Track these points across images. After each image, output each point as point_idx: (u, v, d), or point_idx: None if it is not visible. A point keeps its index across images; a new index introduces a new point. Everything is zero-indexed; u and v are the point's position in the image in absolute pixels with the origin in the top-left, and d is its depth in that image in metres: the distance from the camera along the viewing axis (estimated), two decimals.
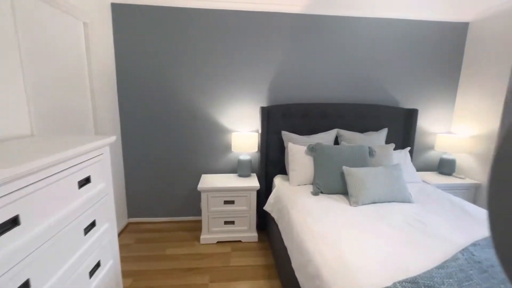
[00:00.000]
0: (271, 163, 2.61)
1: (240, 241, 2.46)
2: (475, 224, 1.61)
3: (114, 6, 2.39)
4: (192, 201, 2.81)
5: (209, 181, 2.47)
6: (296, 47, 2.61)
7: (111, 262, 1.48)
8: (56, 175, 1.00)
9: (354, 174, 1.96)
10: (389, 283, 1.06)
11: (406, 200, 1.91)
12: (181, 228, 2.68)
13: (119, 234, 2.53)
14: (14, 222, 0.81)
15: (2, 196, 0.76)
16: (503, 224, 0.31)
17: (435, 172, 2.92)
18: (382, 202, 1.88)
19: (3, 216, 0.77)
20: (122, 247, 2.31)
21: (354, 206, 1.83)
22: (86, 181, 1.23)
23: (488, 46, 2.54)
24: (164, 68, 2.54)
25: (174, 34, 2.49)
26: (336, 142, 2.56)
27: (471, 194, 2.63)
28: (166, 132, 2.66)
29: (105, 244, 1.41)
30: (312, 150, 2.26)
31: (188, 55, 2.54)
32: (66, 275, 1.06)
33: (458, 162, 2.84)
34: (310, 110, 2.60)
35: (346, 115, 2.65)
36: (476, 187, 2.62)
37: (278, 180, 2.45)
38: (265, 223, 2.58)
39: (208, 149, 2.74)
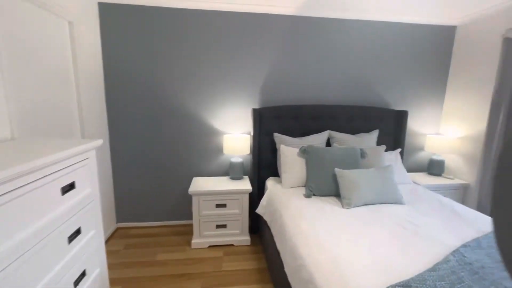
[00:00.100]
0: (263, 165, 2.59)
1: (232, 245, 2.42)
2: (464, 225, 1.63)
3: (101, 5, 2.33)
4: (183, 205, 2.76)
5: (200, 184, 2.43)
6: (288, 48, 2.61)
7: (98, 271, 1.42)
8: (36, 181, 0.95)
9: (346, 176, 1.95)
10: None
11: (397, 201, 1.92)
12: (172, 232, 2.63)
13: (107, 240, 2.46)
14: None
15: None
16: (506, 228, 0.33)
17: (425, 172, 2.96)
18: (374, 204, 1.89)
19: None
20: (110, 253, 2.24)
21: (347, 208, 1.83)
22: (70, 187, 1.17)
23: (475, 49, 2.60)
24: (154, 69, 2.49)
25: (165, 35, 2.44)
26: (328, 144, 2.56)
27: (460, 194, 2.68)
28: (156, 134, 2.60)
29: (91, 251, 1.36)
30: (304, 152, 2.25)
31: (178, 56, 2.50)
32: (48, 287, 1.00)
33: (447, 162, 2.89)
34: (302, 112, 2.60)
35: (338, 117, 2.65)
36: (465, 188, 2.67)
37: (270, 183, 2.43)
38: (258, 226, 2.56)
39: (199, 152, 2.69)
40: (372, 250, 1.33)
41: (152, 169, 2.66)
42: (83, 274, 1.26)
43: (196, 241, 2.36)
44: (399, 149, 2.64)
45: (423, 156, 3.03)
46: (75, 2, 2.01)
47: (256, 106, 2.68)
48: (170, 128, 2.61)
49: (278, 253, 1.71)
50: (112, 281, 1.89)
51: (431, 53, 2.82)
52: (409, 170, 3.01)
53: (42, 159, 0.94)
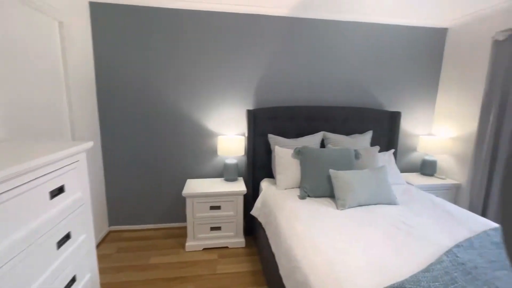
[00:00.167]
0: (258, 166, 2.58)
1: (227, 247, 2.40)
2: (456, 225, 1.65)
3: (92, 5, 2.29)
4: (177, 207, 2.72)
5: (194, 186, 2.40)
6: (283, 50, 2.61)
7: (88, 276, 1.39)
8: (22, 186, 0.91)
9: (340, 177, 1.96)
10: None
11: (391, 202, 1.93)
12: (166, 235, 2.59)
13: (99, 244, 2.41)
14: None
15: None
16: None
17: (418, 173, 2.99)
18: (368, 205, 1.89)
19: None
20: (101, 257, 2.20)
21: (341, 210, 1.83)
22: (59, 190, 1.14)
23: (465, 51, 2.64)
24: (146, 70, 2.46)
25: (158, 36, 2.42)
26: (323, 145, 2.57)
27: (452, 194, 2.71)
28: (149, 135, 2.57)
29: (82, 257, 1.33)
30: (299, 153, 2.25)
31: (172, 57, 2.47)
32: None
33: (439, 163, 2.93)
34: (296, 113, 2.60)
35: (332, 118, 2.66)
36: (457, 187, 2.70)
37: (265, 184, 2.42)
38: (253, 228, 2.54)
39: (193, 153, 2.67)
40: (366, 251, 1.33)
41: (145, 171, 2.62)
42: (73, 280, 1.23)
43: (190, 244, 2.33)
44: (393, 150, 2.66)
45: (416, 156, 3.06)
46: (66, 2, 1.97)
47: (251, 107, 2.67)
48: (163, 129, 2.58)
49: (273, 255, 1.70)
50: (104, 286, 1.85)
51: (424, 55, 2.85)
52: (403, 170, 3.04)
53: (28, 163, 0.91)
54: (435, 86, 2.96)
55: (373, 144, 2.71)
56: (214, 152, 2.69)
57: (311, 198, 2.05)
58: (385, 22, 2.69)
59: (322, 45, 2.66)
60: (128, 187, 2.62)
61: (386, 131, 2.82)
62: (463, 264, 1.20)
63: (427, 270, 1.16)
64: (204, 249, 2.36)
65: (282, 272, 1.49)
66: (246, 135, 2.54)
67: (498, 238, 1.44)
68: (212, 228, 2.36)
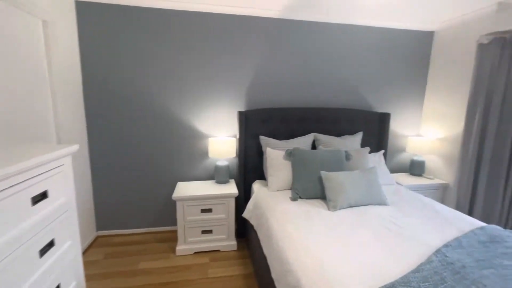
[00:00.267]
0: (249, 168, 2.57)
1: (218, 250, 2.37)
2: (445, 224, 1.68)
3: (78, 4, 2.23)
4: (167, 211, 2.68)
5: (185, 189, 2.36)
6: (274, 51, 2.61)
7: (74, 284, 1.34)
8: (1, 192, 0.87)
9: (332, 178, 1.96)
10: None
11: (381, 202, 1.95)
12: (156, 239, 2.54)
13: (86, 250, 2.34)
14: None
15: None
16: None
17: (407, 173, 3.04)
18: (359, 206, 1.90)
19: None
20: (89, 264, 2.13)
21: (333, 211, 1.83)
22: (42, 196, 1.10)
23: (451, 54, 2.70)
24: (135, 71, 2.41)
25: (146, 36, 2.37)
26: (314, 146, 2.58)
27: (440, 193, 2.76)
28: (138, 138, 2.52)
29: (67, 264, 1.28)
30: (290, 155, 2.25)
31: (161, 58, 2.43)
32: None
33: (427, 163, 2.98)
34: (287, 114, 2.60)
35: (323, 119, 2.68)
36: (444, 187, 2.76)
37: (257, 186, 2.40)
38: (245, 231, 2.52)
39: (184, 156, 2.63)
40: (358, 253, 1.33)
41: (134, 174, 2.56)
42: None
43: (180, 248, 2.29)
44: (383, 151, 2.69)
45: (405, 157, 3.12)
46: (50, 1, 1.91)
47: (242, 109, 2.65)
48: (152, 131, 2.53)
49: (265, 258, 1.68)
50: None
51: (411, 58, 2.91)
52: (392, 171, 3.08)
53: (7, 168, 0.86)
54: (423, 88, 3.02)
55: (363, 145, 2.74)
56: (205, 154, 2.66)
57: (303, 199, 2.05)
58: (373, 25, 2.73)
59: (311, 47, 2.67)
60: (117, 190, 2.56)
61: (376, 132, 2.85)
62: (452, 263, 1.22)
63: (417, 270, 1.17)
64: (195, 253, 2.32)
65: (274, 275, 1.47)
66: (238, 136, 2.53)
67: (485, 237, 1.47)
68: (203, 232, 2.33)
